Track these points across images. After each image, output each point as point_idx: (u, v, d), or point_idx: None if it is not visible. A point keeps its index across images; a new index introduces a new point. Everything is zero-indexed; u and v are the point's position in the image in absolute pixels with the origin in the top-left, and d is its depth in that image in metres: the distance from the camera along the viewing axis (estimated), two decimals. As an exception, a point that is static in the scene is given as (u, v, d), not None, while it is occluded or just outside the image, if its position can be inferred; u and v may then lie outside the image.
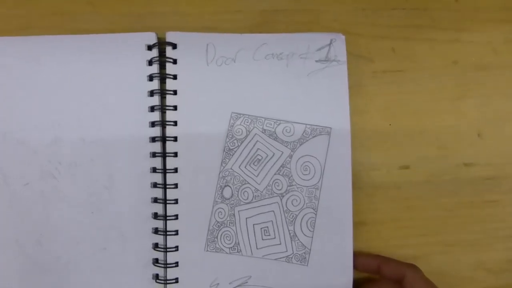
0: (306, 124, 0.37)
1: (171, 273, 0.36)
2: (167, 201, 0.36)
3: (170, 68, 0.36)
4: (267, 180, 0.36)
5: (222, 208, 0.36)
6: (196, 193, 0.36)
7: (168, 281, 0.35)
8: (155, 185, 0.36)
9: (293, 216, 0.36)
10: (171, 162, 0.36)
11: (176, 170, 0.36)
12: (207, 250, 0.36)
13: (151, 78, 0.36)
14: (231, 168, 0.36)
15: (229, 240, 0.36)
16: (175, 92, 0.36)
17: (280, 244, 0.36)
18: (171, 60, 0.36)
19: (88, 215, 0.36)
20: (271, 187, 0.36)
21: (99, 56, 0.36)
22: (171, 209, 0.36)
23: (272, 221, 0.36)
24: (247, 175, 0.36)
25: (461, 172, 0.40)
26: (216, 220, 0.36)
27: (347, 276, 0.36)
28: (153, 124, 0.36)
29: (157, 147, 0.36)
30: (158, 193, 0.36)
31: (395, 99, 0.39)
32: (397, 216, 0.39)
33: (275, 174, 0.37)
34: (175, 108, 0.36)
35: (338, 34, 0.38)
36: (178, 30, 0.37)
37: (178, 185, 0.36)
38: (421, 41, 0.40)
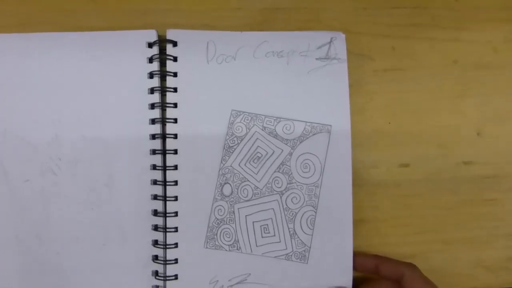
0: (306, 122, 0.37)
1: (171, 269, 0.36)
2: (167, 198, 0.36)
3: (170, 66, 0.36)
4: (267, 178, 0.37)
5: (222, 206, 0.36)
6: (196, 190, 0.36)
7: (167, 278, 0.36)
8: (155, 182, 0.36)
9: (293, 214, 0.37)
10: (171, 160, 0.36)
11: (176, 167, 0.36)
12: (207, 247, 0.36)
13: (151, 75, 0.36)
14: (231, 166, 0.36)
15: (229, 237, 0.36)
16: (175, 90, 0.36)
17: (280, 241, 0.36)
18: (172, 58, 0.36)
19: (88, 211, 0.36)
20: (271, 184, 0.37)
21: (99, 53, 0.36)
22: (171, 206, 0.36)
23: (271, 218, 0.37)
24: (247, 172, 0.36)
25: (461, 171, 0.40)
26: (216, 217, 0.36)
27: (347, 273, 0.36)
28: (153, 122, 0.36)
29: (157, 144, 0.36)
30: (158, 190, 0.36)
31: (395, 98, 0.39)
32: (397, 214, 0.39)
33: (275, 171, 0.37)
34: (175, 105, 0.36)
35: (338, 33, 0.38)
36: (179, 28, 0.37)
37: (178, 182, 0.36)
38: (422, 40, 0.40)
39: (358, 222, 0.37)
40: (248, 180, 0.36)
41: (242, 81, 0.37)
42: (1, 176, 0.35)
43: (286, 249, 0.36)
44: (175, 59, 0.36)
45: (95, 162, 0.36)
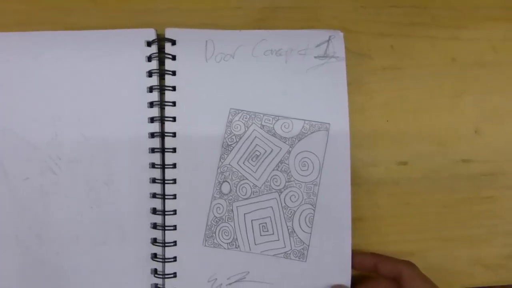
0: (304, 120, 0.37)
1: (169, 267, 0.36)
2: (166, 196, 0.36)
3: (169, 64, 0.36)
4: (266, 176, 0.37)
5: (220, 204, 0.36)
6: (194, 188, 0.36)
7: (166, 276, 0.36)
8: (154, 180, 0.36)
9: (291, 212, 0.37)
10: (169, 158, 0.36)
11: (174, 165, 0.36)
12: (205, 245, 0.36)
13: (150, 74, 0.36)
14: (229, 164, 0.36)
15: (227, 235, 0.36)
16: (174, 88, 0.36)
17: (279, 240, 0.36)
18: (170, 56, 0.36)
19: (88, 210, 0.36)
20: (270, 183, 0.37)
21: (98, 52, 0.36)
22: (170, 204, 0.36)
23: (270, 217, 0.37)
24: (245, 170, 0.36)
25: (459, 169, 0.40)
26: (214, 216, 0.36)
27: (346, 271, 0.36)
28: (152, 120, 0.36)
29: (156, 142, 0.36)
30: (157, 188, 0.36)
31: (394, 96, 0.39)
32: (395, 212, 0.39)
33: (273, 170, 0.37)
34: (174, 104, 0.36)
35: (336, 31, 0.38)
36: (177, 27, 0.37)
37: (177, 181, 0.36)
38: (421, 39, 0.40)
39: (356, 221, 0.37)
40: (247, 179, 0.37)
41: (241, 80, 0.37)
42: (1, 176, 0.35)
43: (285, 247, 0.36)
44: (173, 57, 0.36)
45: (95, 161, 0.36)
